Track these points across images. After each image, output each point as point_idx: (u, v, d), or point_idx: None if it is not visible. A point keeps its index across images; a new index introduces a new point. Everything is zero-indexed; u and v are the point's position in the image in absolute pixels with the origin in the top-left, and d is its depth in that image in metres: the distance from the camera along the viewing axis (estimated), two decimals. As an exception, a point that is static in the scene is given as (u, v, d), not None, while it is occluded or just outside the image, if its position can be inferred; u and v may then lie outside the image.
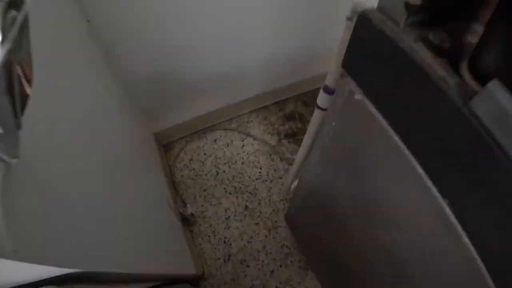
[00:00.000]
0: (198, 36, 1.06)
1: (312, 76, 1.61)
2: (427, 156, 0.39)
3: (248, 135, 1.51)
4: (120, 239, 0.54)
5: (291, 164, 1.45)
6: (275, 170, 1.43)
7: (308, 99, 1.67)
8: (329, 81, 0.69)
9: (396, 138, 0.43)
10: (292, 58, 1.42)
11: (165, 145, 1.45)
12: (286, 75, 1.52)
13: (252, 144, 1.49)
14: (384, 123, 0.44)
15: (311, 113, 0.81)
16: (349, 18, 0.53)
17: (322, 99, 0.74)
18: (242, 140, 1.50)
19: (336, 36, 0.59)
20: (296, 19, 1.22)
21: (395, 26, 0.39)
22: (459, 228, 0.38)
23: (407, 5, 0.38)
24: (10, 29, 0.25)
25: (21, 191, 0.29)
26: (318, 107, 0.76)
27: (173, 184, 1.35)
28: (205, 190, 1.36)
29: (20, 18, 0.26)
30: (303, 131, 1.54)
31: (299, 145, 0.95)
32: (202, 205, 1.32)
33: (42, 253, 0.29)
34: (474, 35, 0.38)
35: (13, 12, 0.25)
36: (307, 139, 0.87)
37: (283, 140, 1.52)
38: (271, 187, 1.39)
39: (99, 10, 0.85)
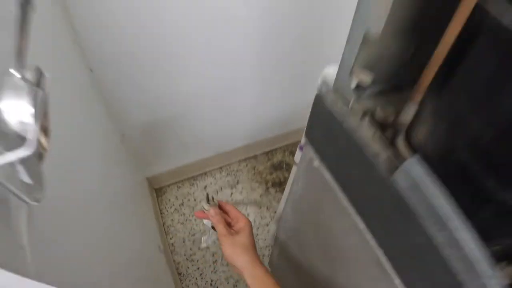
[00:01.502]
0: (193, 89, 1.19)
1: (301, 127, 1.69)
2: (366, 214, 0.49)
3: (237, 183, 1.60)
4: (110, 274, 0.61)
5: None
6: (261, 218, 1.51)
7: (295, 150, 1.78)
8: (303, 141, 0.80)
9: (343, 199, 0.52)
10: (280, 110, 1.54)
11: (158, 189, 1.53)
12: (274, 126, 1.62)
13: (241, 192, 1.57)
14: (336, 187, 0.53)
15: (298, 164, 0.92)
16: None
17: (298, 156, 0.84)
18: (231, 188, 1.58)
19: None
20: (283, 77, 1.34)
21: (345, 106, 0.48)
22: (391, 270, 0.46)
23: (357, 87, 0.43)
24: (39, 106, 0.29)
25: (41, 227, 0.38)
26: (295, 163, 0.86)
27: (163, 227, 1.41)
28: (193, 235, 1.42)
29: (43, 95, 0.31)
30: (289, 182, 1.63)
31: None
32: (190, 249, 1.38)
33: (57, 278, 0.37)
34: (410, 112, 0.44)
35: (39, 92, 0.30)
36: (286, 192, 0.96)
37: (270, 189, 1.60)
38: (257, 234, 1.45)
39: (102, 60, 0.94)
